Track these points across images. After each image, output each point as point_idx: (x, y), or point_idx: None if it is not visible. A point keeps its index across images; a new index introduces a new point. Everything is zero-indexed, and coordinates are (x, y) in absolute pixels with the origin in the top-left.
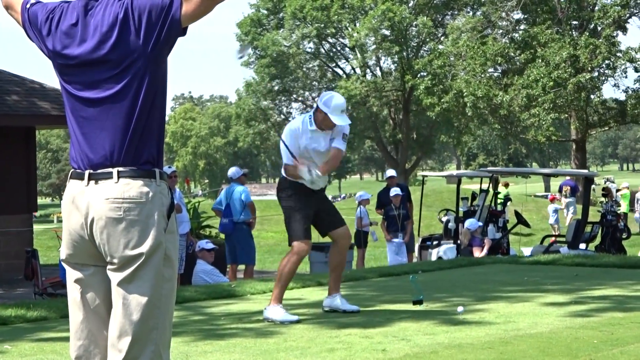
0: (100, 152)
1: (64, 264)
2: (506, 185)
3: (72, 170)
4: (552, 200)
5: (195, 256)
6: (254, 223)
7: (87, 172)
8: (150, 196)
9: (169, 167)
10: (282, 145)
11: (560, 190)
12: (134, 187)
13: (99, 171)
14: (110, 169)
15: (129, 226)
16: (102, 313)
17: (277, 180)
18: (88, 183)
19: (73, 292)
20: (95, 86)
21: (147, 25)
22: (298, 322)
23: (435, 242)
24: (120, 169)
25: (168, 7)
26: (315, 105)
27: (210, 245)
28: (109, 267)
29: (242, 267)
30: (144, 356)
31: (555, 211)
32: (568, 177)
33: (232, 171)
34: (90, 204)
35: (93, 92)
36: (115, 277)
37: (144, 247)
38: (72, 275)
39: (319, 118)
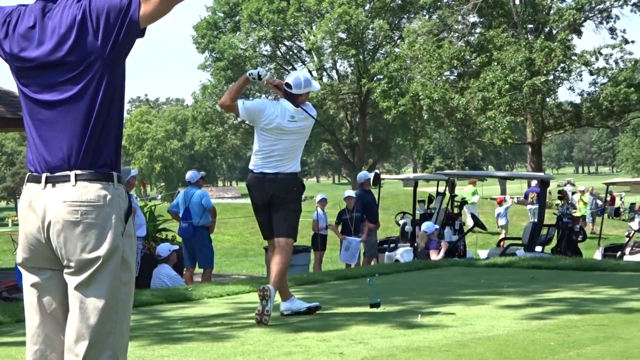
0: (58, 154)
1: (20, 268)
2: (473, 183)
3: (29, 173)
4: (500, 202)
5: (155, 259)
6: (214, 227)
7: (44, 175)
8: (108, 199)
9: (133, 170)
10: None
11: (526, 197)
12: (91, 190)
13: (57, 174)
14: (67, 172)
15: (86, 229)
16: (58, 317)
17: (232, 183)
18: (45, 186)
19: (29, 296)
20: (53, 88)
21: (105, 26)
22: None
23: (392, 245)
24: (78, 172)
25: (126, 8)
26: (300, 91)
27: (174, 247)
28: (65, 270)
29: (199, 270)
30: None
31: (505, 213)
32: (534, 184)
33: (190, 174)
34: (47, 207)
35: (51, 95)
36: (72, 280)
37: (101, 251)
38: (28, 279)
39: (304, 99)
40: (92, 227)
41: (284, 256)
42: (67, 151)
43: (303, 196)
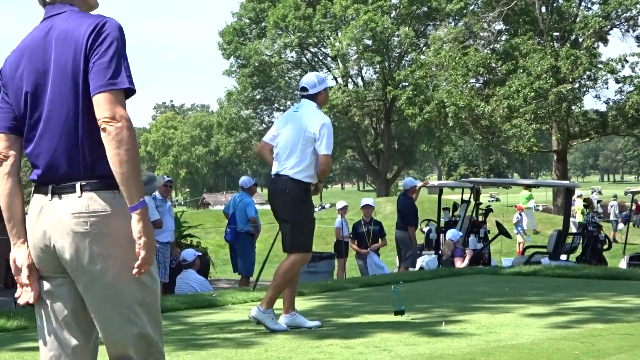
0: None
1: None
2: (528, 188)
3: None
4: (521, 210)
5: (179, 265)
6: (257, 235)
7: (50, 187)
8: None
9: (164, 177)
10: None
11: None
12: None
13: (62, 185)
14: (73, 183)
15: (96, 239)
16: (71, 323)
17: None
18: (52, 198)
19: (40, 304)
20: None
21: None
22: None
23: (417, 254)
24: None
25: None
26: (311, 95)
27: (198, 252)
28: (80, 280)
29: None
30: None
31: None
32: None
33: (243, 180)
34: (55, 218)
35: None
36: (91, 290)
37: (116, 259)
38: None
39: (322, 99)
40: (102, 237)
41: (281, 271)
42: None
43: (324, 203)
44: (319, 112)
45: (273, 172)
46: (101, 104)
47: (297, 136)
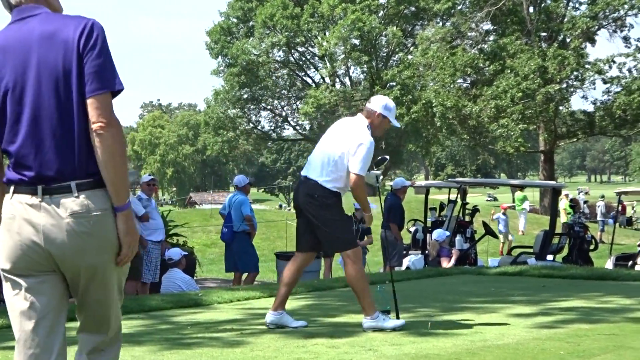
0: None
1: (4, 275)
2: (522, 189)
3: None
4: (505, 210)
5: (164, 264)
6: (254, 233)
7: (39, 187)
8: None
9: (149, 176)
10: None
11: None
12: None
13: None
14: (68, 182)
15: (97, 237)
16: (52, 320)
17: None
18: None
19: (19, 302)
20: None
21: None
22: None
23: (403, 252)
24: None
25: None
26: (368, 110)
27: (184, 252)
28: (73, 277)
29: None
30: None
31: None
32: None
33: (237, 179)
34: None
35: None
36: (86, 286)
37: (110, 257)
38: (17, 285)
39: (377, 122)
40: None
41: (347, 272)
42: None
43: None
44: (364, 130)
45: (303, 174)
46: (97, 106)
47: (335, 146)
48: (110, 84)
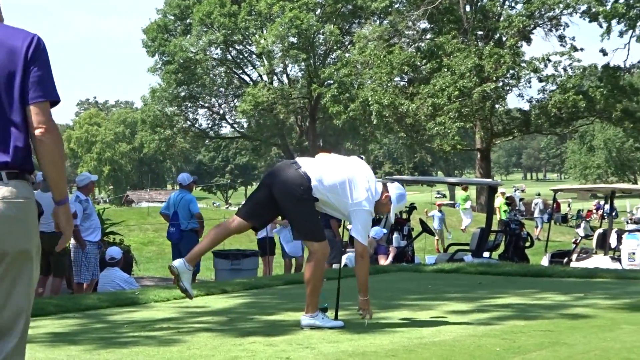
0: None
1: None
2: (465, 189)
3: None
4: (440, 207)
5: (105, 263)
6: (202, 231)
7: None
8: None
9: (93, 176)
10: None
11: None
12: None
13: None
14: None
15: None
16: None
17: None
18: None
19: None
20: None
21: None
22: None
23: (341, 250)
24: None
25: None
26: (382, 188)
27: (121, 251)
28: None
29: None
30: (20, 338)
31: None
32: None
33: (181, 177)
34: None
35: None
36: (5, 271)
37: (32, 245)
38: None
39: (383, 200)
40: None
41: (308, 268)
42: None
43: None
44: (369, 196)
45: (296, 161)
46: (37, 112)
47: (350, 173)
48: (50, 94)
